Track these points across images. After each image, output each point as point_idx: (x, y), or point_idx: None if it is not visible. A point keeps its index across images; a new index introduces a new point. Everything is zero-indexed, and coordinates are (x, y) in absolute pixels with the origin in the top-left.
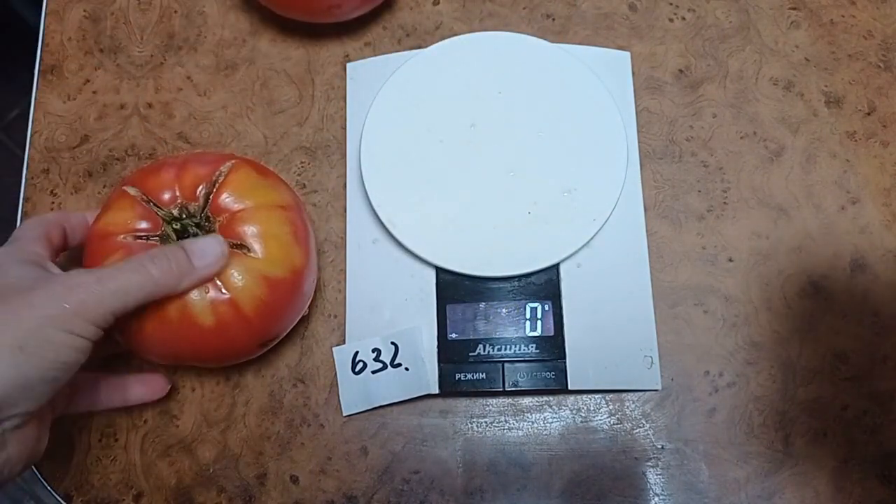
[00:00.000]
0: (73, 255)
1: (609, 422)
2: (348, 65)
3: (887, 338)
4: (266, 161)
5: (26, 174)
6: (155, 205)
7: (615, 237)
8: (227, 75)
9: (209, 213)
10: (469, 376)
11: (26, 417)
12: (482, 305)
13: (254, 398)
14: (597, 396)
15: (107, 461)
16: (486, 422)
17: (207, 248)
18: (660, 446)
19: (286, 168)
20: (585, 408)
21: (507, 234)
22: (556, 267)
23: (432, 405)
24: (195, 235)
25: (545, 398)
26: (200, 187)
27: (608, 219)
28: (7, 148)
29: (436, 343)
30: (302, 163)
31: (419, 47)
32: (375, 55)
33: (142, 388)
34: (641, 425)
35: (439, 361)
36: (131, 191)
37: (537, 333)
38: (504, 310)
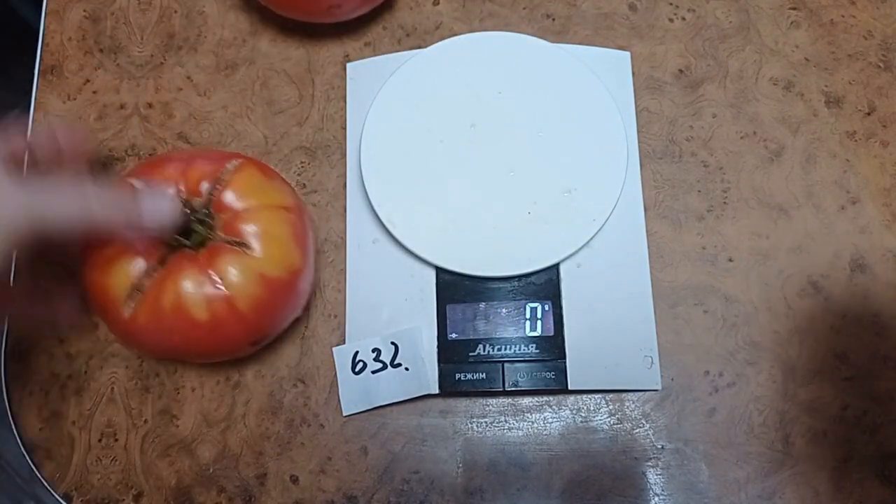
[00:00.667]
0: (69, 242)
1: (609, 422)
2: (348, 65)
3: (887, 338)
4: (266, 161)
5: (26, 174)
6: None
7: (615, 237)
8: (227, 75)
9: (212, 210)
10: (469, 376)
11: None
12: (482, 305)
13: (254, 398)
14: (597, 396)
15: (107, 461)
16: (486, 422)
17: (160, 207)
18: (660, 446)
19: (286, 168)
20: (585, 408)
21: (507, 234)
22: (556, 267)
23: (432, 405)
24: (197, 232)
25: (545, 398)
26: (205, 184)
27: (608, 219)
28: None
29: (436, 343)
30: (302, 163)
31: (419, 47)
32: (375, 55)
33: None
34: (641, 425)
35: (439, 361)
36: (136, 183)
37: (537, 333)
38: (504, 310)
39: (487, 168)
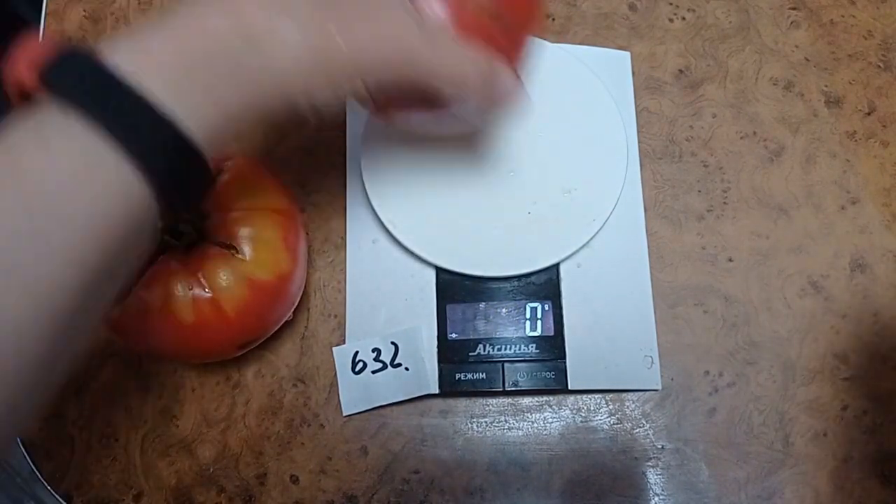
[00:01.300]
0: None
1: (609, 422)
2: None
3: (887, 338)
4: (266, 161)
5: None
6: None
7: (615, 237)
8: None
9: (203, 211)
10: (469, 376)
11: None
12: (482, 305)
13: (254, 398)
14: (597, 396)
15: (107, 461)
16: (486, 422)
17: (513, 86)
18: (660, 446)
19: (286, 168)
20: (585, 408)
21: (507, 234)
22: (556, 267)
23: (432, 405)
24: (185, 233)
25: (545, 398)
26: None
27: (608, 219)
28: None
29: (436, 343)
30: (302, 163)
31: None
32: None
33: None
34: (641, 425)
35: (439, 361)
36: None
37: (537, 333)
38: (504, 310)
39: (487, 168)
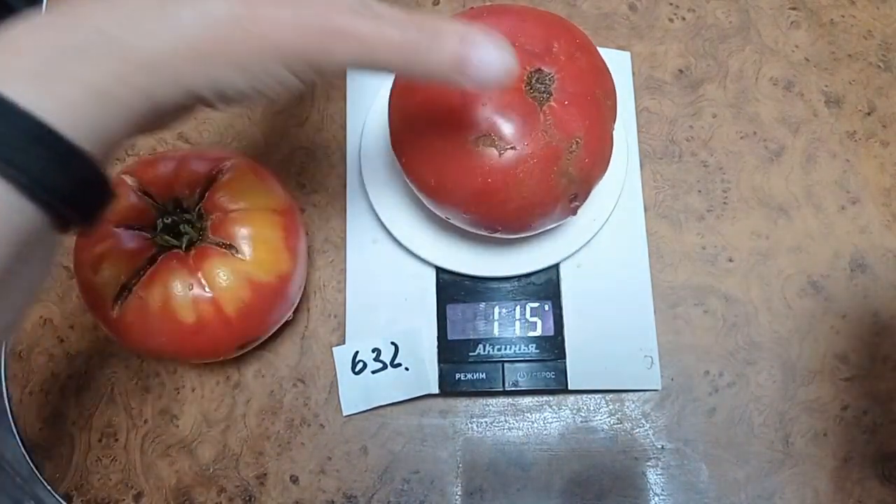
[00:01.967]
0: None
1: (609, 422)
2: None
3: (887, 338)
4: (266, 161)
5: None
6: (150, 197)
7: (615, 237)
8: None
9: (203, 211)
10: (469, 376)
11: None
12: (482, 305)
13: (254, 398)
14: (597, 396)
15: (107, 461)
16: (486, 422)
17: (492, 57)
18: (660, 446)
19: (286, 168)
20: (585, 408)
21: (507, 234)
22: (556, 267)
23: (432, 405)
24: (185, 233)
25: (545, 398)
26: (197, 184)
27: (608, 219)
28: None
29: (436, 343)
30: (302, 163)
31: None
32: None
33: None
34: (641, 425)
35: (439, 361)
36: (129, 180)
37: (537, 333)
38: (504, 310)
39: None
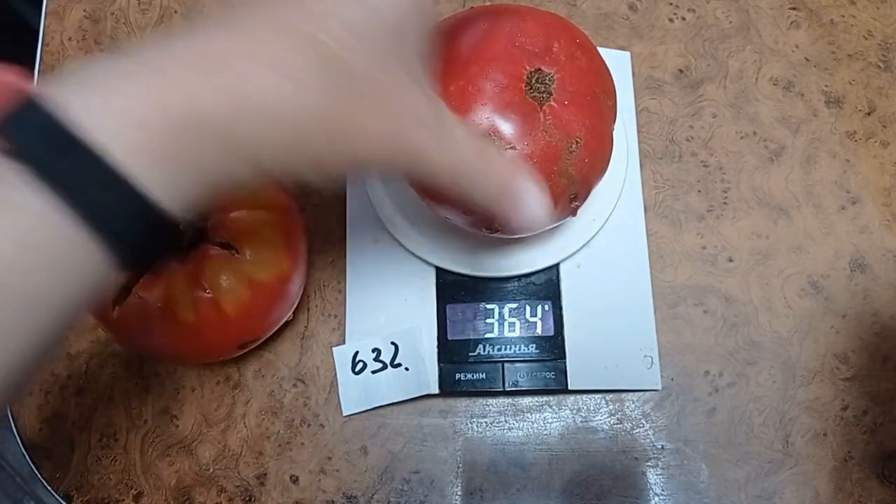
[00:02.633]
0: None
1: (609, 422)
2: None
3: (887, 338)
4: None
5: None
6: None
7: (615, 237)
8: None
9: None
10: (469, 376)
11: None
12: (482, 305)
13: (254, 398)
14: (597, 396)
15: (107, 461)
16: (486, 422)
17: (536, 209)
18: (660, 446)
19: None
20: (585, 408)
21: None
22: (556, 267)
23: (432, 405)
24: (187, 233)
25: (545, 398)
26: None
27: (608, 219)
28: None
29: (436, 343)
30: None
31: None
32: None
33: None
34: (641, 425)
35: (439, 361)
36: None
37: (537, 333)
38: (504, 310)
39: None
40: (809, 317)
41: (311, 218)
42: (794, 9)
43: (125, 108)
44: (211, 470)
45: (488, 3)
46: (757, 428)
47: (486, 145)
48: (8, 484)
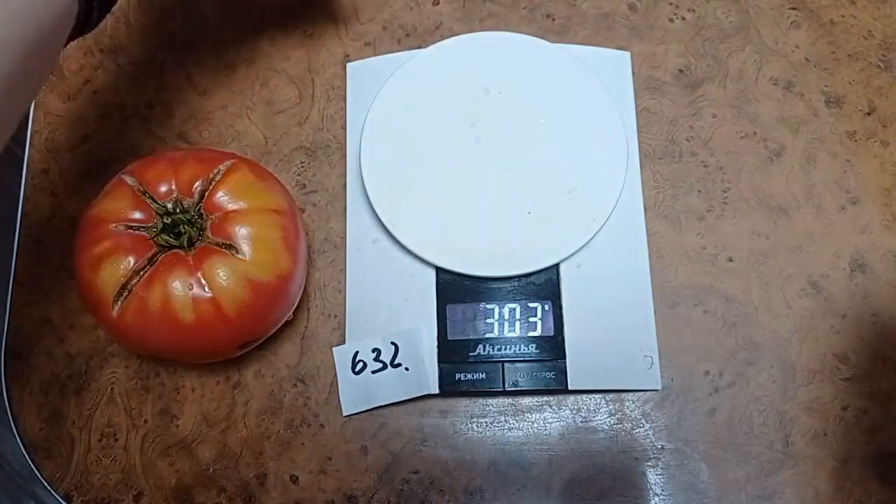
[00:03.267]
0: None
1: (609, 422)
2: (348, 65)
3: (887, 338)
4: (266, 161)
5: (26, 174)
6: (150, 197)
7: (615, 237)
8: (227, 75)
9: (203, 210)
10: (469, 376)
11: None
12: (482, 305)
13: (254, 398)
14: (597, 396)
15: (107, 461)
16: (486, 422)
17: None
18: (660, 446)
19: (286, 168)
20: (585, 408)
21: (507, 234)
22: (556, 267)
23: (432, 405)
24: (185, 233)
25: (545, 398)
26: (197, 183)
27: (608, 219)
28: (7, 148)
29: (436, 343)
30: (302, 163)
31: (419, 47)
32: (375, 55)
33: None
34: (641, 425)
35: (439, 361)
36: (129, 180)
37: (537, 333)
38: (504, 310)
39: (487, 168)
40: (809, 317)
41: (311, 218)
42: (794, 9)
43: None
44: (211, 470)
45: (486, 3)
46: (757, 428)
47: None
48: (8, 484)
